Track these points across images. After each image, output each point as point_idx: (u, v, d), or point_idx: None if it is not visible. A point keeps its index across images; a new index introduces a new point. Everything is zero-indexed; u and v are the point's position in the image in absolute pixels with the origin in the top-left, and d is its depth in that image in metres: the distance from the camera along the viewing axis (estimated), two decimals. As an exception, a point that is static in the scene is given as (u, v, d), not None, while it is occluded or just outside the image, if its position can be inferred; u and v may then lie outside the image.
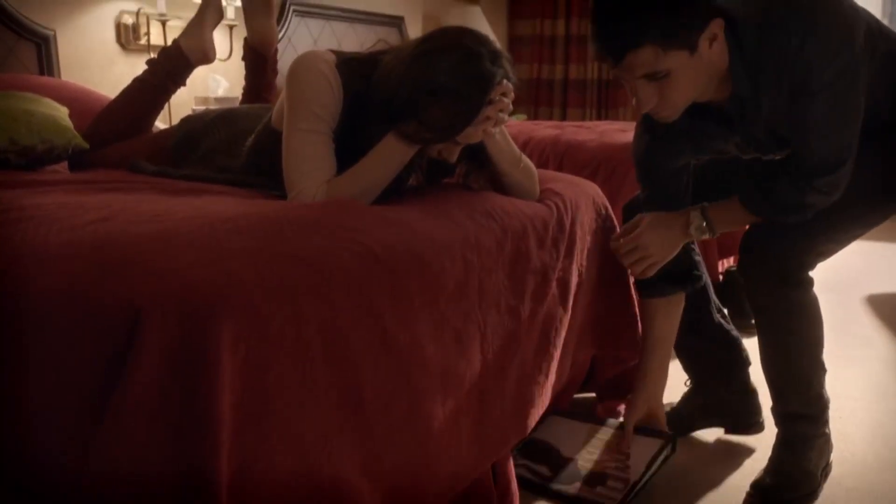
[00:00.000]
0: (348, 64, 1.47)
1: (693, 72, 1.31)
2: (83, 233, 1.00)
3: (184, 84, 2.12)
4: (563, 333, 1.75)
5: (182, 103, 3.17)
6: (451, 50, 1.37)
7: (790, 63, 1.32)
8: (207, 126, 1.85)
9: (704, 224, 1.54)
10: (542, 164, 3.14)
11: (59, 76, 2.84)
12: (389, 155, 1.42)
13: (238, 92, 2.47)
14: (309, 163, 1.41)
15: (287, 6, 3.69)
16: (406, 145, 1.41)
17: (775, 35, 1.31)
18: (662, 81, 1.30)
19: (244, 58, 2.29)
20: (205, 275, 0.92)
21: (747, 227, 1.61)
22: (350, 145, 1.47)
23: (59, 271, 0.91)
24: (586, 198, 1.78)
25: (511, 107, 1.44)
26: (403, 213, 1.34)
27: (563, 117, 5.32)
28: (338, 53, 1.49)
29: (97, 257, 0.92)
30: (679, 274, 1.70)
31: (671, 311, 1.73)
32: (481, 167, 1.61)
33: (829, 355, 1.63)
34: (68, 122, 2.02)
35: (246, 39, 2.27)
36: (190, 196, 1.40)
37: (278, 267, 1.00)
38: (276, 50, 2.30)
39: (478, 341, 1.44)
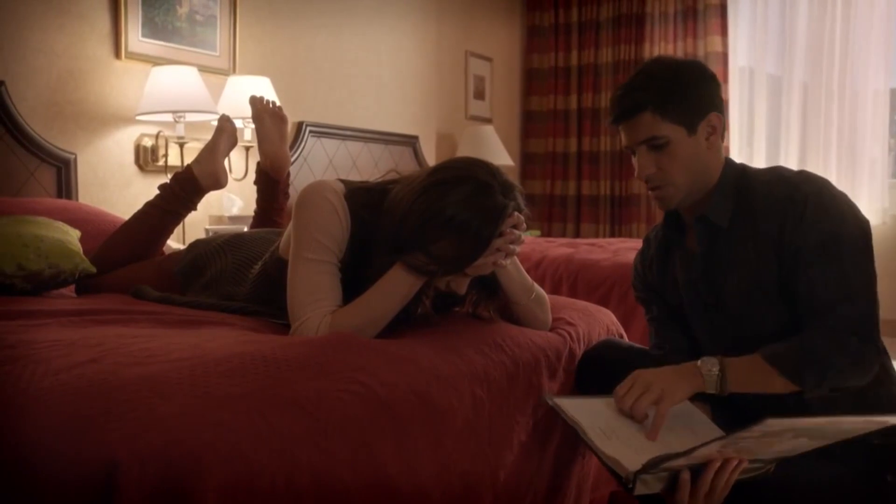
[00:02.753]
0: (357, 193, 1.46)
1: (691, 152, 1.39)
2: (69, 377, 0.95)
3: (195, 209, 2.12)
4: (578, 469, 1.65)
5: (197, 222, 3.20)
6: (461, 182, 1.35)
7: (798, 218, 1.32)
8: (214, 251, 1.83)
9: (717, 372, 1.32)
10: (555, 284, 3.10)
11: (77, 197, 2.89)
12: (396, 287, 1.38)
13: (252, 211, 2.48)
14: (313, 293, 1.38)
15: (303, 127, 3.78)
16: (413, 277, 1.37)
17: (783, 187, 1.36)
18: (661, 152, 1.38)
19: (256, 182, 2.31)
20: (191, 426, 0.86)
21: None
22: (357, 276, 1.44)
23: (37, 423, 0.85)
24: (601, 327, 1.73)
25: (523, 239, 1.41)
26: (408, 347, 1.29)
27: (577, 233, 5.33)
28: (346, 183, 1.48)
29: (78, 407, 0.87)
30: None
31: None
32: (492, 296, 1.56)
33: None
34: (77, 247, 2.01)
35: (258, 164, 2.29)
36: (189, 328, 1.36)
37: (271, 414, 0.95)
38: (289, 174, 2.32)
39: (488, 482, 1.35)
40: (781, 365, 1.30)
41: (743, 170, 1.45)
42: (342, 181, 1.48)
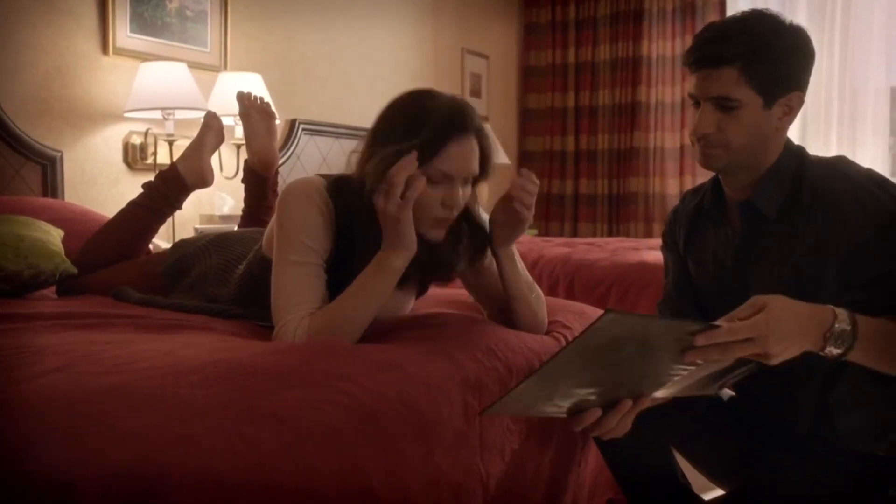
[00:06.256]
0: (337, 184, 1.41)
1: (759, 125, 1.27)
2: (29, 388, 0.89)
3: (180, 208, 2.07)
4: (574, 478, 1.60)
5: (187, 220, 3.14)
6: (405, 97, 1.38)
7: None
8: (199, 251, 1.78)
9: (850, 329, 1.08)
10: (553, 284, 3.05)
11: (64, 196, 2.83)
12: (376, 275, 1.31)
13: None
14: (293, 296, 1.32)
15: (296, 125, 3.72)
16: (394, 262, 1.30)
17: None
18: (727, 114, 1.27)
19: (244, 180, 2.25)
20: (158, 441, 0.80)
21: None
22: (345, 273, 1.39)
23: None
24: (597, 330, 1.66)
25: (536, 181, 1.37)
26: (395, 352, 1.23)
27: (574, 232, 5.28)
28: (326, 176, 1.43)
29: (35, 421, 0.81)
30: None
31: None
32: (482, 248, 1.49)
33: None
34: (58, 247, 1.96)
35: (246, 161, 2.23)
36: (167, 333, 1.30)
37: (246, 427, 0.89)
38: (277, 172, 2.26)
39: (479, 493, 1.29)
40: None
41: (801, 158, 1.33)
42: (322, 176, 1.43)
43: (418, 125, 1.29)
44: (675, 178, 5.00)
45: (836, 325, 1.07)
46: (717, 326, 1.02)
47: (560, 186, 5.39)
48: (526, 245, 3.55)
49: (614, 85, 5.17)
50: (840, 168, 1.29)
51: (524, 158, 5.52)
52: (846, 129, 4.49)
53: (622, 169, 5.16)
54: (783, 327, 1.05)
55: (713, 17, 4.75)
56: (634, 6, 5.08)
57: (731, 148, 1.29)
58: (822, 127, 4.53)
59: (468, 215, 1.45)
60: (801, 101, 1.30)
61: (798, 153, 1.34)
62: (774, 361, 1.06)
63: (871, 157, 4.42)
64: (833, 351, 1.09)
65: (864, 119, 4.45)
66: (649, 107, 5.03)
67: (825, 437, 1.30)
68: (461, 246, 1.45)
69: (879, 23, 4.38)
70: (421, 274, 1.47)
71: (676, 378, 1.12)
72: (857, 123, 4.47)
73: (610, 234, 5.13)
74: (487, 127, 1.42)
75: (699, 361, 1.05)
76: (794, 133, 4.59)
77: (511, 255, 1.46)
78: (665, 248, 1.57)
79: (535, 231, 5.03)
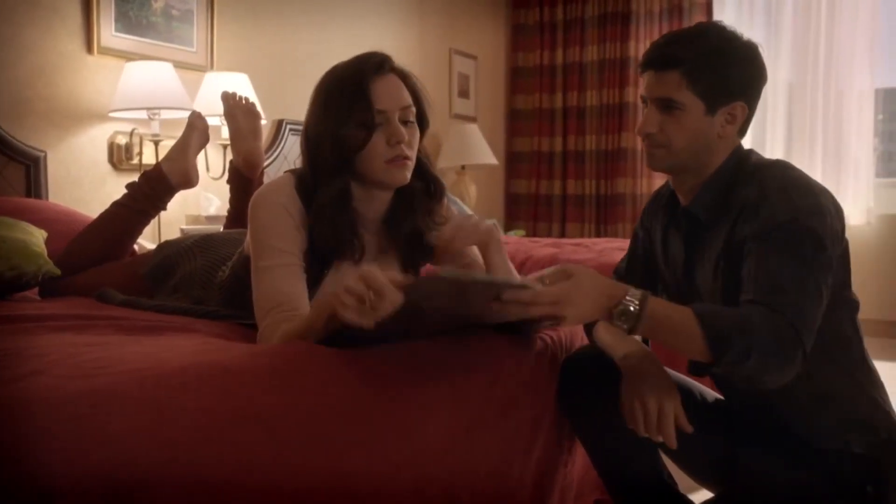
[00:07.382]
0: (305, 178, 1.40)
1: (700, 129, 1.31)
2: (5, 392, 0.88)
3: (164, 209, 2.05)
4: (561, 479, 1.60)
5: (172, 221, 3.12)
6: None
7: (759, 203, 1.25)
8: (184, 253, 1.77)
9: (635, 309, 1.15)
10: (539, 285, 3.05)
11: (48, 196, 2.81)
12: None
13: (229, 211, 2.41)
14: (271, 299, 1.31)
15: (283, 125, 3.70)
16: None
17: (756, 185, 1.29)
18: (670, 115, 1.31)
19: (229, 180, 2.24)
20: (139, 446, 0.79)
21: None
22: (325, 263, 1.40)
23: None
24: (583, 331, 1.67)
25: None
26: (381, 358, 1.20)
27: (562, 233, 5.29)
28: (295, 171, 1.43)
29: (12, 426, 0.80)
30: None
31: None
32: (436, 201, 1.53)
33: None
34: (41, 248, 1.94)
35: (231, 162, 2.22)
36: (149, 335, 1.29)
37: (230, 430, 0.88)
38: (263, 172, 2.25)
39: (467, 496, 1.29)
40: (710, 326, 1.15)
41: (741, 163, 1.35)
42: (291, 171, 1.43)
43: (338, 90, 1.36)
44: (662, 179, 4.98)
45: (622, 304, 1.16)
46: (526, 287, 1.12)
47: (548, 187, 5.40)
48: (514, 246, 3.55)
49: (602, 86, 5.18)
50: (764, 172, 1.31)
51: (512, 159, 5.53)
52: (831, 131, 4.52)
53: (610, 170, 5.18)
54: (580, 299, 1.14)
55: (699, 18, 4.78)
56: (622, 7, 5.10)
57: (672, 149, 1.32)
58: (808, 128, 4.56)
59: (421, 170, 1.47)
60: (745, 112, 1.33)
61: (742, 158, 1.36)
62: (566, 325, 1.20)
63: (854, 158, 4.45)
64: (620, 325, 1.17)
65: (849, 121, 4.48)
66: (637, 108, 5.04)
67: (804, 435, 1.31)
68: (416, 202, 1.47)
69: (864, 25, 4.42)
70: (390, 243, 1.48)
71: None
72: (842, 125, 4.50)
73: (597, 235, 5.14)
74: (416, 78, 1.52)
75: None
76: (780, 134, 4.67)
77: (496, 249, 1.51)
78: (638, 224, 1.61)
79: (522, 232, 5.04)
